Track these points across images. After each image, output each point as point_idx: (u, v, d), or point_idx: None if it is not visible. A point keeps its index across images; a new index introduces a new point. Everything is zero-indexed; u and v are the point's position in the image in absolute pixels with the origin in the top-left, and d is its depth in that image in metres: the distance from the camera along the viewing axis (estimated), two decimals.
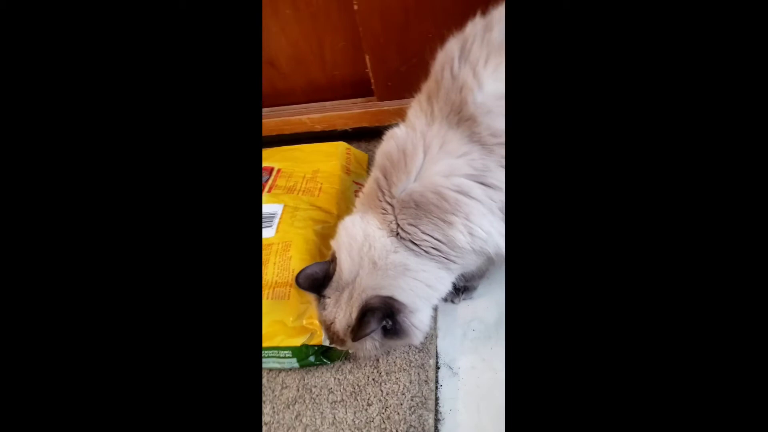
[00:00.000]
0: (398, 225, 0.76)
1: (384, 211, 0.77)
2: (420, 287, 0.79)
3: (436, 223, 0.73)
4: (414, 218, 0.74)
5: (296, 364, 0.94)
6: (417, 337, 0.81)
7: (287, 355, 0.93)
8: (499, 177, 0.70)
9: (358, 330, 0.76)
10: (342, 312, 0.79)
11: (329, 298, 0.81)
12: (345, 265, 0.79)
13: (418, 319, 0.80)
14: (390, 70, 1.24)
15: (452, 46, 0.74)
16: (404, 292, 0.77)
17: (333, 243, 0.84)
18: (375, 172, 0.81)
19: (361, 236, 0.78)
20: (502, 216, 0.73)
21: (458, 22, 0.77)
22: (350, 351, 0.89)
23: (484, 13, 0.74)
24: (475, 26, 0.73)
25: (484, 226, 0.73)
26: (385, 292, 0.76)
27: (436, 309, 1.01)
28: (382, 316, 0.76)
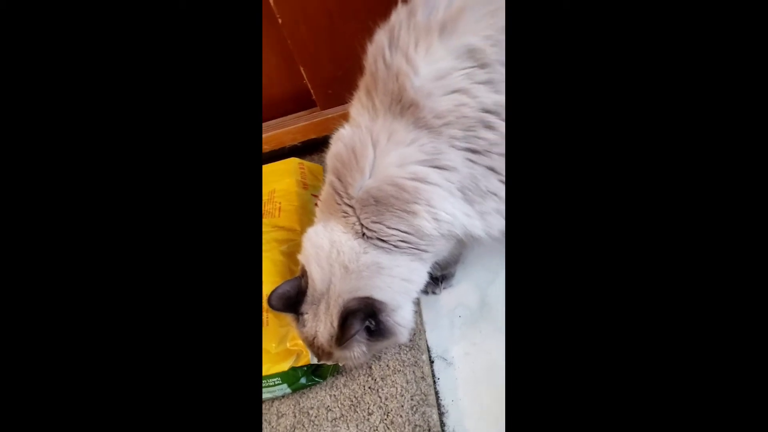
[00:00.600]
0: (362, 225, 0.75)
1: (345, 214, 0.75)
2: (397, 283, 0.77)
3: (399, 215, 0.72)
4: (377, 215, 0.73)
5: (288, 390, 0.91)
6: (403, 334, 0.79)
7: (277, 382, 0.89)
8: (451, 157, 0.70)
9: (341, 335, 0.74)
10: (322, 324, 0.77)
11: (307, 313, 0.79)
12: (316, 276, 0.77)
13: (401, 316, 0.78)
14: (327, 78, 1.23)
15: (381, 36, 0.74)
16: (382, 290, 0.76)
17: (300, 257, 0.82)
18: (329, 177, 0.79)
19: (327, 244, 0.76)
20: (462, 195, 0.72)
21: (382, 15, 0.77)
22: (340, 363, 0.86)
23: (405, 0, 0.74)
24: (399, 14, 0.73)
25: (447, 208, 0.72)
26: (362, 294, 0.74)
27: (417, 303, 1.00)
28: (364, 316, 0.74)
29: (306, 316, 0.79)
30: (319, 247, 0.77)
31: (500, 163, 0.71)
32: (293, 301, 0.79)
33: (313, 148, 1.35)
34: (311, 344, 0.80)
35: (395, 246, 0.75)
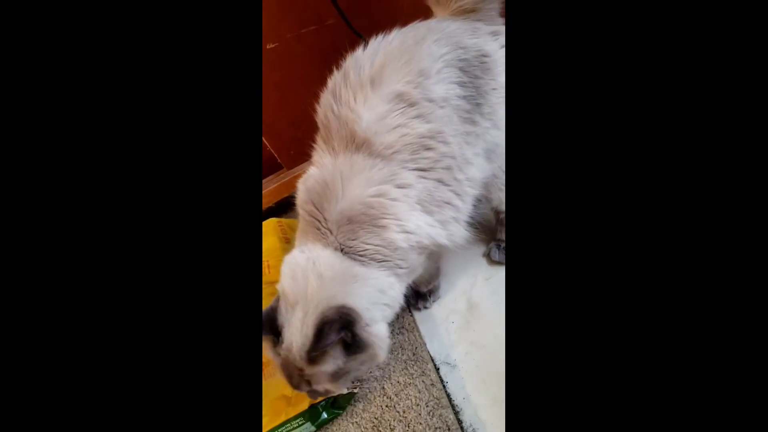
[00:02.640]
0: (340, 243, 0.82)
1: (324, 236, 0.83)
2: (372, 294, 0.82)
3: (371, 230, 0.81)
4: (352, 233, 0.82)
5: (312, 428, 0.96)
6: (381, 348, 0.82)
7: (301, 422, 0.95)
8: (405, 176, 0.82)
9: (315, 344, 0.76)
10: (298, 332, 0.78)
11: (284, 327, 0.80)
12: (289, 290, 0.81)
13: (376, 331, 0.82)
14: (288, 142, 1.37)
15: (326, 96, 0.88)
16: (357, 298, 0.80)
17: (278, 286, 0.85)
18: (305, 208, 0.86)
19: (303, 260, 0.82)
20: (422, 208, 0.84)
21: (322, 80, 0.91)
22: (313, 383, 0.83)
23: (338, 67, 0.89)
24: (336, 78, 0.88)
25: (411, 220, 0.83)
26: (337, 301, 0.78)
27: (412, 321, 1.09)
28: (340, 327, 0.76)
29: (283, 331, 0.80)
30: (294, 264, 0.82)
31: (446, 176, 0.84)
32: (268, 319, 0.81)
33: (287, 206, 1.46)
34: (287, 364, 0.80)
35: (371, 259, 0.82)
